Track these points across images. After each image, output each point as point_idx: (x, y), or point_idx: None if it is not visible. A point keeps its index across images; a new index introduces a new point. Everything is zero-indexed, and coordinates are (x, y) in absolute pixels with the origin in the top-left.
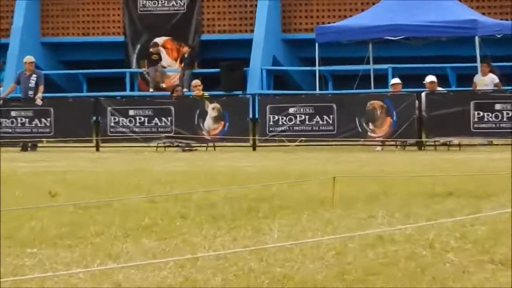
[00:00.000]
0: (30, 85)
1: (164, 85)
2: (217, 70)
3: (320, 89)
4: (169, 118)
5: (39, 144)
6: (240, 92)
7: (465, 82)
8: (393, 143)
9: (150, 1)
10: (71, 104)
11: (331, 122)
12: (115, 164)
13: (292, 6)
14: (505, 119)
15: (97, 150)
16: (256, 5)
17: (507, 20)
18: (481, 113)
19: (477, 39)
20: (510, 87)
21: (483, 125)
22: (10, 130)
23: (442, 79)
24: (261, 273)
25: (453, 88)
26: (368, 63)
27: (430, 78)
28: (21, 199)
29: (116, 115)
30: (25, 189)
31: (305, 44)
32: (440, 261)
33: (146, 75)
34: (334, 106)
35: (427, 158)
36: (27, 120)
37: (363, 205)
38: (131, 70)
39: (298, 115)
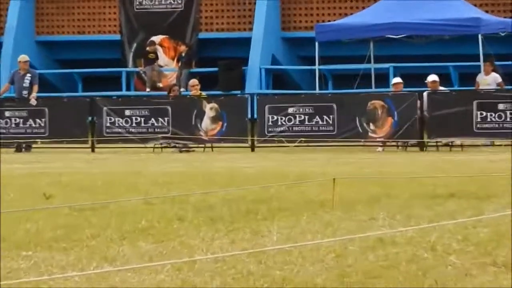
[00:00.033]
0: (24, 84)
1: (161, 85)
2: (215, 69)
3: (320, 88)
4: (166, 118)
5: (34, 145)
6: (239, 92)
7: (467, 81)
8: (394, 143)
9: None
10: (66, 104)
11: (331, 122)
12: (111, 165)
13: (291, 4)
14: (508, 119)
15: (93, 151)
16: (255, 3)
17: (510, 18)
18: (484, 113)
19: (480, 37)
20: None
21: (486, 125)
22: (4, 131)
23: (444, 78)
24: (260, 276)
25: (456, 88)
26: (369, 62)
27: (432, 77)
28: (16, 201)
29: (112, 115)
30: (19, 191)
31: (304, 42)
32: (442, 264)
33: (143, 75)
34: (334, 106)
35: (428, 159)
36: (21, 120)
37: (363, 207)
38: (127, 69)
39: (297, 115)
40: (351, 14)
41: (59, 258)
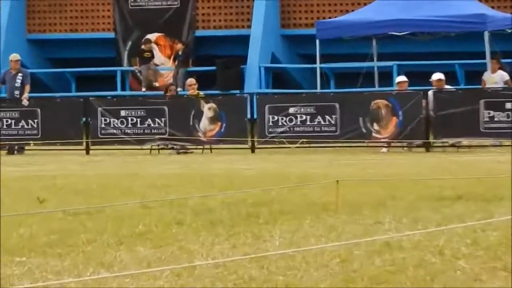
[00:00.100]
0: (16, 84)
1: (157, 84)
2: (213, 68)
3: (322, 87)
4: (162, 119)
5: (26, 147)
6: (237, 91)
7: (474, 80)
8: (399, 144)
9: None
10: (59, 104)
11: (333, 122)
12: (106, 168)
13: (291, 0)
14: None
15: (87, 153)
16: (253, 0)
17: None
18: (491, 113)
19: (486, 34)
20: None
21: (494, 125)
22: None
23: (450, 77)
24: (262, 282)
25: (462, 86)
26: (372, 60)
27: (438, 75)
28: (8, 205)
29: (107, 116)
30: (12, 195)
31: (305, 40)
32: (451, 269)
33: (138, 74)
34: (337, 105)
35: (434, 160)
36: (13, 121)
37: (368, 210)
38: (122, 68)
39: (298, 115)
40: (353, 10)
41: (54, 264)
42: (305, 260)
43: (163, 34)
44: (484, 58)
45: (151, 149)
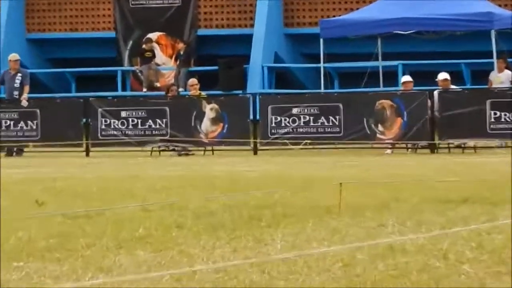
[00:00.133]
0: (15, 85)
1: (158, 84)
2: (215, 67)
3: (326, 87)
4: (164, 120)
5: (25, 149)
6: (240, 92)
7: (480, 79)
8: (403, 145)
9: None
10: (59, 105)
11: (337, 123)
12: (106, 170)
13: None
14: None
15: (87, 154)
16: None
17: None
18: (498, 113)
19: (493, 33)
20: None
21: (500, 126)
22: None
23: (456, 76)
24: (263, 286)
25: (468, 86)
26: (376, 59)
27: (443, 75)
28: (6, 208)
29: (107, 116)
30: (10, 197)
31: (309, 39)
32: (455, 273)
33: (139, 74)
34: (341, 106)
35: (440, 161)
36: (12, 122)
37: (372, 212)
38: (123, 68)
39: (302, 116)
40: (358, 9)
41: (52, 268)
42: (307, 264)
43: (164, 33)
44: (491, 58)
45: (152, 151)
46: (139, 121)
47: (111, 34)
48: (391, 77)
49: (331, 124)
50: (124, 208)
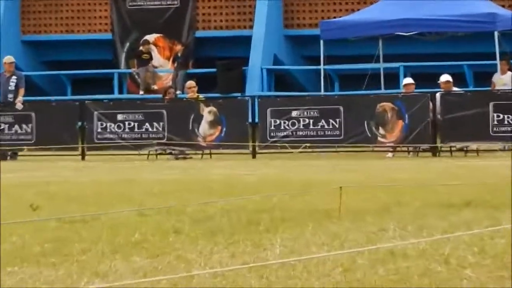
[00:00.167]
0: (9, 87)
1: (155, 87)
2: (213, 70)
3: (326, 90)
4: (161, 123)
5: (20, 153)
6: (239, 94)
7: (483, 81)
8: (405, 148)
9: None
10: (55, 108)
11: (337, 126)
12: (102, 174)
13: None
14: None
15: (83, 158)
16: None
17: None
18: (501, 115)
19: (496, 34)
20: None
21: (503, 129)
22: None
23: (459, 78)
24: None
25: (471, 88)
26: (377, 61)
27: (445, 77)
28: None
29: (103, 120)
30: (4, 202)
31: (309, 41)
32: (457, 278)
33: (136, 76)
34: (341, 108)
35: (442, 165)
36: (6, 126)
37: (372, 217)
38: (120, 70)
39: (301, 119)
40: (358, 10)
41: (47, 273)
42: (306, 269)
43: (162, 35)
44: (494, 59)
45: (148, 155)
46: (136, 124)
47: (108, 36)
48: (392, 79)
49: (331, 127)
50: (120, 213)
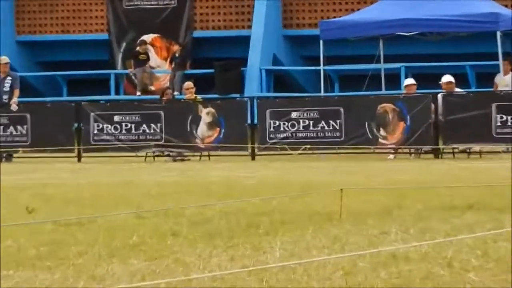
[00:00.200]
0: (4, 88)
1: (152, 88)
2: (211, 70)
3: (326, 91)
4: (158, 125)
5: (15, 154)
6: (237, 95)
7: (486, 82)
8: (406, 150)
9: None
10: (50, 109)
11: (338, 127)
12: (99, 176)
13: None
14: None
15: (79, 160)
16: None
17: None
18: (504, 117)
19: (498, 34)
20: None
21: (506, 130)
22: None
23: (461, 79)
24: None
25: (473, 89)
26: (378, 61)
27: (447, 78)
28: None
29: (100, 121)
30: None
31: (308, 41)
32: (460, 281)
33: (133, 77)
34: (341, 110)
35: (444, 167)
36: (1, 127)
37: (374, 219)
38: (116, 71)
39: (301, 120)
40: (359, 9)
41: (43, 277)
42: (306, 272)
43: (159, 35)
44: (496, 60)
45: (146, 156)
46: (133, 125)
47: (104, 36)
48: (393, 80)
49: (331, 128)
50: (117, 215)
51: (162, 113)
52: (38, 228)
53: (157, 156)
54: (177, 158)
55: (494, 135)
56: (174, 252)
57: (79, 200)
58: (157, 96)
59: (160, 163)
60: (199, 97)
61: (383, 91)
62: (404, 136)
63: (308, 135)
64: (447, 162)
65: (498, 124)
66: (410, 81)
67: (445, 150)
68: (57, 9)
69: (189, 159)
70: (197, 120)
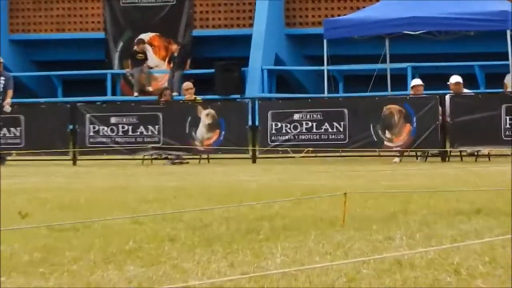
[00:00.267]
0: None
1: (150, 89)
2: (211, 70)
3: (329, 92)
4: (156, 126)
5: (8, 157)
6: (238, 96)
7: (495, 83)
8: (413, 153)
9: None
10: (45, 110)
11: (342, 129)
12: (95, 180)
13: None
14: None
15: (74, 163)
16: None
17: None
18: None
19: (508, 33)
20: None
21: None
22: None
23: (469, 80)
24: None
25: (482, 90)
26: (384, 61)
27: (455, 78)
28: None
29: (96, 123)
30: None
31: (312, 40)
32: None
33: (130, 77)
34: (346, 111)
35: (451, 170)
36: None
37: (378, 225)
38: (113, 71)
39: (304, 122)
40: (364, 7)
41: (36, 284)
42: (308, 279)
43: (157, 34)
44: (506, 60)
45: (143, 159)
46: (130, 127)
47: (101, 34)
48: (399, 80)
49: (335, 130)
50: (114, 220)
51: (160, 114)
52: (32, 233)
53: (155, 159)
54: (176, 161)
55: (503, 138)
56: (172, 258)
57: (74, 205)
58: (155, 97)
59: (158, 167)
60: (198, 98)
61: (389, 92)
62: (411, 138)
63: (311, 138)
64: (455, 165)
65: (508, 126)
66: (417, 81)
67: (452, 153)
68: (52, 7)
69: (188, 162)
70: (196, 121)
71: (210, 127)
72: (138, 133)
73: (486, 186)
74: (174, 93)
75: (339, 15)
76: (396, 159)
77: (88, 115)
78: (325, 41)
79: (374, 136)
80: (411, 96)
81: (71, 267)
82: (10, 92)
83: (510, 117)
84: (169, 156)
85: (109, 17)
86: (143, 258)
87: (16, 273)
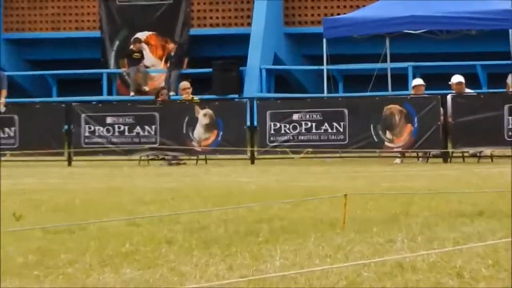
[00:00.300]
0: None
1: (147, 88)
2: (209, 70)
3: (329, 91)
4: (153, 127)
5: (2, 158)
6: (236, 96)
7: (498, 83)
8: (414, 154)
9: None
10: (39, 110)
11: (341, 130)
12: (90, 181)
13: None
14: None
15: (70, 164)
16: None
17: None
18: None
19: (511, 32)
20: None
21: None
22: None
23: (471, 79)
24: None
25: (484, 90)
26: (384, 61)
27: (457, 78)
28: None
29: (91, 123)
30: None
31: (311, 39)
32: None
33: (126, 77)
34: (346, 111)
35: (453, 171)
36: None
37: (379, 227)
38: (109, 70)
39: (303, 122)
40: (364, 6)
41: (31, 287)
42: (308, 282)
43: (154, 32)
44: (509, 59)
45: (140, 160)
46: (126, 127)
47: (96, 33)
48: (400, 80)
49: (335, 131)
50: (110, 222)
51: (157, 114)
52: (26, 236)
53: (152, 160)
54: (173, 162)
55: (506, 138)
56: (169, 260)
57: (69, 206)
58: (152, 97)
59: (155, 167)
60: (196, 97)
61: (390, 92)
62: (412, 139)
63: (311, 138)
64: (457, 166)
65: (510, 126)
66: (418, 81)
67: (454, 154)
68: (46, 6)
69: (185, 163)
70: (193, 122)
71: (208, 128)
72: (135, 134)
73: (489, 188)
74: (171, 93)
75: (338, 14)
76: (397, 160)
77: (83, 115)
78: (324, 40)
79: (374, 136)
80: (412, 96)
81: (66, 270)
82: (4, 92)
83: None
84: (166, 157)
85: (104, 15)
86: (139, 261)
87: (10, 275)
